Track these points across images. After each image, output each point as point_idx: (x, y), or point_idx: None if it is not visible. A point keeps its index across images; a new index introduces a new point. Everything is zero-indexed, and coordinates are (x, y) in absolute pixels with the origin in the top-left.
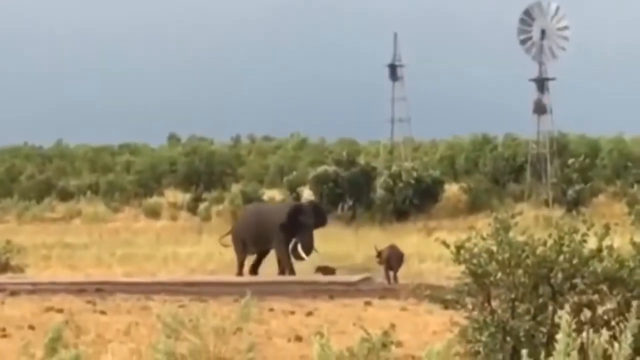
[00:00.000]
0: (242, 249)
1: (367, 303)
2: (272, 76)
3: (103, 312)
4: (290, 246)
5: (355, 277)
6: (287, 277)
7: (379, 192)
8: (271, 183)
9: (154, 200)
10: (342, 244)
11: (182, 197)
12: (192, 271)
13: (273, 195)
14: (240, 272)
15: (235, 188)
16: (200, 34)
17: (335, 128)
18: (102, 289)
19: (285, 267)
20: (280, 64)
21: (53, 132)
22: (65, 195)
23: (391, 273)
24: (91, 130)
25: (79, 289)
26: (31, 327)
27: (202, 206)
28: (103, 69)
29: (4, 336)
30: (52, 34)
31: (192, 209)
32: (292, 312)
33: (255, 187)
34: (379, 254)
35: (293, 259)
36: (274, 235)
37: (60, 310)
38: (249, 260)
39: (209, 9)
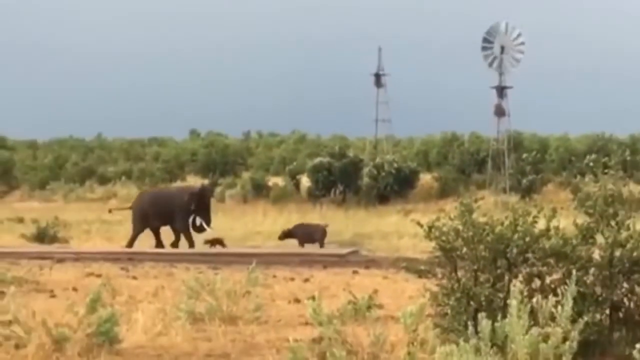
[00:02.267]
0: (141, 226)
1: (355, 272)
2: (278, 82)
3: (134, 277)
4: (194, 222)
5: (345, 250)
6: (288, 250)
7: (365, 180)
8: (275, 171)
9: (178, 184)
10: (334, 223)
11: (201, 182)
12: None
13: (277, 181)
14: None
15: (246, 175)
16: (214, 42)
17: (329, 126)
18: (133, 258)
19: (187, 240)
20: (285, 72)
21: (94, 126)
22: (104, 180)
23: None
24: (126, 125)
25: (114, 257)
26: (74, 289)
27: (217, 190)
28: (138, 75)
29: (52, 296)
30: (90, 41)
31: None
32: (292, 279)
33: (262, 175)
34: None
35: (194, 233)
36: (176, 214)
37: (98, 275)
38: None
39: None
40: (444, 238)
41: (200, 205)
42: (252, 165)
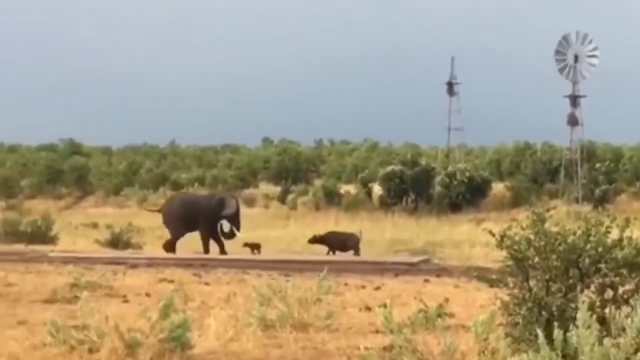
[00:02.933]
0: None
1: (426, 280)
2: (350, 90)
3: (207, 283)
4: (227, 230)
5: (416, 259)
6: (359, 258)
7: (437, 189)
8: (347, 179)
9: (250, 191)
10: (405, 231)
11: (274, 189)
12: (281, 251)
13: (349, 189)
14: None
15: (318, 183)
16: (287, 52)
17: (402, 134)
18: (206, 264)
19: (203, 245)
20: (357, 80)
21: (168, 133)
22: (177, 186)
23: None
24: (199, 132)
25: (187, 263)
26: (147, 294)
27: (290, 197)
28: (212, 80)
29: (125, 301)
30: (166, 51)
31: (282, 199)
32: (363, 287)
33: (334, 183)
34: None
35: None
36: (201, 219)
37: (171, 281)
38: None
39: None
40: (515, 247)
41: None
42: (324, 173)
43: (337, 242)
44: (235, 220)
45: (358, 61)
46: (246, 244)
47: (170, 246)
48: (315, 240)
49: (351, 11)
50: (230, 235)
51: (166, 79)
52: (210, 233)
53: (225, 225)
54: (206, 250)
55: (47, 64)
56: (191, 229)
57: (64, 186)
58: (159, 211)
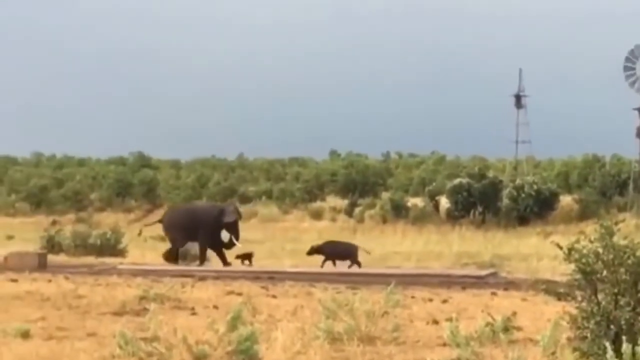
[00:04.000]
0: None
1: (493, 294)
2: (417, 102)
3: (274, 296)
4: (226, 240)
5: (484, 272)
6: (427, 271)
7: (505, 201)
8: (415, 192)
9: (317, 204)
10: (473, 244)
11: (341, 202)
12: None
13: (416, 202)
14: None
15: (385, 196)
16: (355, 66)
17: (469, 147)
18: (273, 277)
19: (200, 255)
20: (423, 92)
21: (236, 146)
22: (245, 199)
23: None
24: (267, 145)
25: (254, 276)
26: (215, 307)
27: (357, 210)
28: (280, 94)
29: (193, 314)
30: (242, 64)
31: (349, 212)
32: (430, 300)
33: (401, 196)
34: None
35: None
36: (201, 230)
37: (239, 294)
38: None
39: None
40: (583, 260)
41: (231, 222)
42: (392, 186)
43: (335, 252)
44: (234, 229)
45: (425, 75)
46: (238, 256)
47: (171, 256)
48: (313, 251)
49: (416, 25)
50: (230, 245)
51: (233, 92)
52: (210, 244)
53: (224, 235)
54: (202, 260)
55: (116, 78)
56: (192, 239)
57: (133, 199)
58: (160, 221)
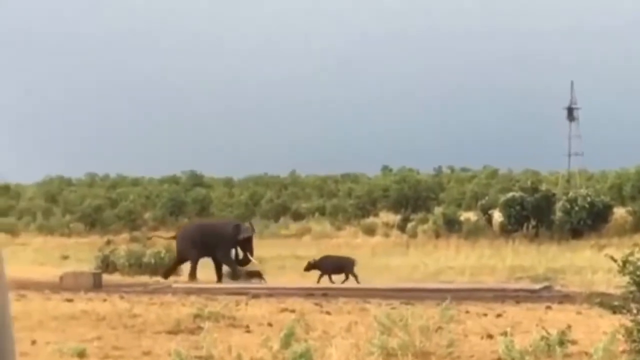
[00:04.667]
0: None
1: (548, 307)
2: (468, 117)
3: (328, 313)
4: (241, 256)
5: (538, 285)
6: (480, 285)
7: (558, 215)
8: (467, 206)
9: (370, 220)
10: (526, 258)
11: (393, 217)
12: (401, 279)
13: (469, 216)
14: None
15: (438, 210)
16: (406, 80)
17: (521, 160)
18: (327, 293)
19: (232, 271)
20: (475, 105)
21: (288, 163)
22: (298, 216)
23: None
24: (319, 162)
25: (308, 293)
26: (269, 324)
27: (409, 225)
28: (331, 110)
29: (248, 331)
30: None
31: (402, 227)
32: (485, 314)
33: (454, 210)
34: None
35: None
36: (221, 246)
37: (292, 311)
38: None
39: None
40: (638, 273)
41: (245, 238)
42: (444, 201)
43: (331, 266)
44: (249, 246)
45: (476, 89)
46: (247, 273)
47: (170, 272)
48: (310, 266)
49: (467, 39)
50: (245, 261)
51: (285, 110)
52: (226, 260)
53: (239, 252)
54: (236, 275)
55: (168, 97)
56: (207, 254)
57: (187, 217)
58: (174, 238)
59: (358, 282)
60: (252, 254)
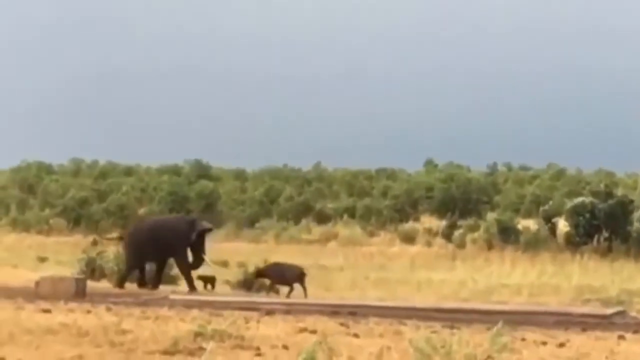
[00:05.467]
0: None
1: (620, 337)
2: (531, 107)
3: (356, 335)
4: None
5: (609, 310)
6: (540, 307)
7: (636, 225)
8: (527, 213)
9: (409, 225)
10: (596, 276)
11: (438, 223)
12: (445, 297)
13: (528, 224)
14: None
15: (491, 216)
16: (460, 65)
17: (593, 159)
18: (355, 312)
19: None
20: (539, 96)
21: (312, 154)
22: (323, 218)
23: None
24: (349, 153)
25: (332, 310)
26: (285, 347)
27: (457, 233)
28: (364, 95)
29: (258, 354)
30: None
31: (447, 235)
32: (544, 343)
33: (510, 216)
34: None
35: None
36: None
37: (313, 331)
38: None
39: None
40: None
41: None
42: (499, 205)
43: (279, 275)
44: (201, 244)
45: (541, 75)
46: (200, 277)
47: (123, 281)
48: (258, 274)
49: (537, 27)
50: (197, 264)
51: (304, 91)
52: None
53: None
54: (157, 284)
55: (168, 75)
56: (156, 258)
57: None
58: (120, 238)
59: (306, 295)
60: (204, 254)
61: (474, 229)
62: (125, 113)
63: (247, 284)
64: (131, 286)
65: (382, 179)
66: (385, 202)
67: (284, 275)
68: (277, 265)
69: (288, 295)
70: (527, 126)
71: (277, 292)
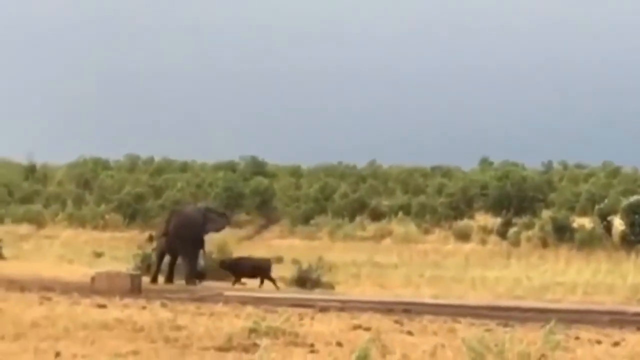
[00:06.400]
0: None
1: None
2: (586, 104)
3: (410, 333)
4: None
5: None
6: (594, 306)
7: None
8: (582, 211)
9: (464, 223)
10: None
11: (492, 221)
12: (500, 295)
13: (583, 222)
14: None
15: (546, 214)
16: (514, 59)
17: None
18: (409, 309)
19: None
20: (594, 94)
21: (367, 152)
22: (377, 215)
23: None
24: (405, 151)
25: (386, 308)
26: (339, 344)
27: (511, 231)
28: (419, 94)
29: (312, 351)
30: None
31: (502, 233)
32: (598, 342)
33: (565, 214)
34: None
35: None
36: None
37: (367, 329)
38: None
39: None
40: None
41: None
42: (554, 203)
43: (247, 268)
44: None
45: (595, 70)
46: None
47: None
48: (224, 265)
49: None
50: None
51: (364, 89)
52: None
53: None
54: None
55: (226, 69)
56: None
57: (244, 212)
58: (165, 234)
59: (277, 286)
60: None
61: (528, 226)
62: (181, 110)
63: (301, 280)
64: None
65: (437, 177)
66: (440, 200)
67: (250, 269)
68: (243, 259)
69: (260, 287)
70: (583, 124)
71: (243, 284)
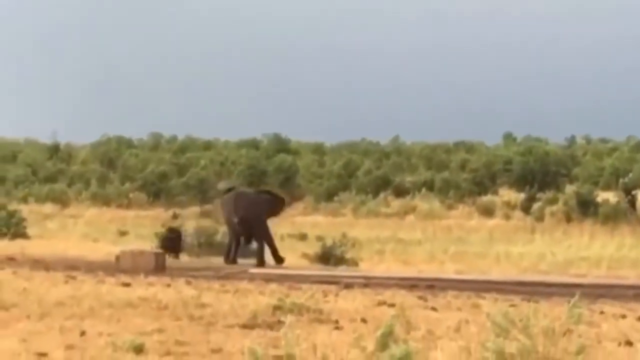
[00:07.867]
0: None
1: None
2: (608, 77)
3: (434, 309)
4: None
5: None
6: (619, 280)
7: None
8: (606, 185)
9: (487, 198)
10: None
11: (516, 196)
12: (524, 270)
13: (608, 197)
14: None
15: (570, 189)
16: (527, 36)
17: None
18: (433, 285)
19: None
20: (615, 64)
21: (390, 128)
22: (401, 191)
23: None
24: (428, 127)
25: (411, 284)
26: (363, 320)
27: (535, 206)
28: (441, 69)
29: (337, 328)
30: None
31: (526, 208)
32: (623, 316)
33: (589, 189)
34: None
35: None
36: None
37: (392, 305)
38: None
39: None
40: None
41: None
42: (578, 177)
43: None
44: None
45: (618, 44)
46: None
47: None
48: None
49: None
50: None
51: (385, 64)
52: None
53: None
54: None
55: (246, 50)
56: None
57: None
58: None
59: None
60: None
61: (552, 201)
62: (205, 88)
63: (325, 257)
64: (214, 260)
65: (461, 152)
66: (463, 176)
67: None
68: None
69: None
70: (606, 99)
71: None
